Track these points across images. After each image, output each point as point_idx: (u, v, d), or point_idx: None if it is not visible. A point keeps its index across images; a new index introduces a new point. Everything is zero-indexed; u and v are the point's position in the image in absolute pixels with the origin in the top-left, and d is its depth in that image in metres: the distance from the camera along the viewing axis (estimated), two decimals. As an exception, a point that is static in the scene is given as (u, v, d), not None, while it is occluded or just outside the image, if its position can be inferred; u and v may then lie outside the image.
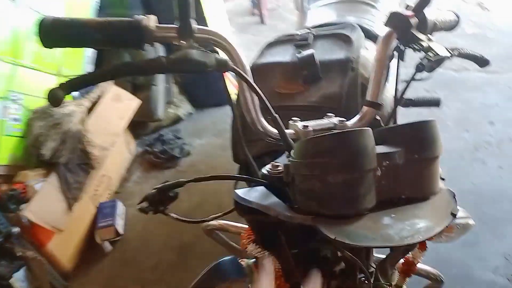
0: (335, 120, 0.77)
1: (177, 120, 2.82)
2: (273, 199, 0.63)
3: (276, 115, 0.67)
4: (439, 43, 0.83)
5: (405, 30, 0.79)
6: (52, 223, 1.72)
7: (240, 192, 0.66)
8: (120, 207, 2.17)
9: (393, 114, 0.77)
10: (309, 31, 1.05)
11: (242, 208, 0.66)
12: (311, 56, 0.87)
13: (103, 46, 0.67)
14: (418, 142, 0.61)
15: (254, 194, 0.66)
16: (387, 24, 0.81)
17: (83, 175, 1.89)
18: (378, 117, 0.81)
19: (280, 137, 0.67)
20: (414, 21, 0.80)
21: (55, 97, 0.59)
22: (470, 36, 3.01)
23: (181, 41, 0.64)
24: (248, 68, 0.69)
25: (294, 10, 4.12)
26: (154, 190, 0.86)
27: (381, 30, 1.23)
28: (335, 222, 0.57)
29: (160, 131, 2.74)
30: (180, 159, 2.52)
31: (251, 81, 0.65)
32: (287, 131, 0.74)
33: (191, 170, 2.43)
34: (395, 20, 0.80)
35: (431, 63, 0.79)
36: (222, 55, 0.67)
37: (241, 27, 3.79)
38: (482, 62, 0.92)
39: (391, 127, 0.63)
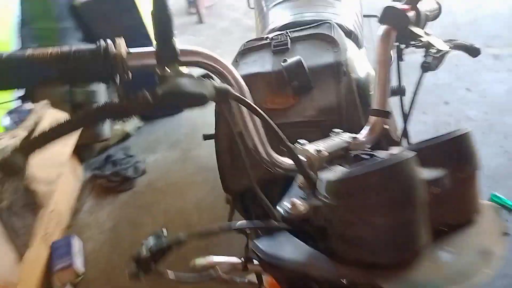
0: (345, 137, 0.67)
1: (125, 136, 2.60)
2: (306, 250, 0.52)
3: (291, 145, 0.56)
4: (435, 36, 0.77)
5: (404, 26, 0.71)
6: (2, 279, 1.48)
7: (263, 245, 0.54)
8: (76, 243, 1.94)
9: (405, 125, 0.69)
10: (281, 33, 0.95)
11: (270, 265, 0.55)
12: (299, 63, 0.76)
13: (62, 83, 0.52)
14: (461, 158, 0.53)
15: (279, 246, 0.54)
16: (382, 21, 0.72)
17: (31, 217, 1.65)
18: (386, 126, 0.73)
19: (300, 171, 0.56)
20: (411, 15, 0.72)
21: (13, 166, 0.45)
22: (409, 18, 3.06)
23: (162, 69, 0.51)
24: (246, 89, 0.57)
25: (232, 6, 4.00)
26: (146, 253, 0.72)
27: (352, 25, 1.16)
28: (394, 272, 0.47)
29: (108, 151, 2.52)
30: (136, 179, 2.32)
31: (257, 107, 0.54)
32: (287, 160, 0.63)
33: (150, 190, 2.25)
34: (392, 16, 0.71)
35: (436, 60, 0.72)
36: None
37: (179, 28, 3.59)
38: (473, 51, 0.87)
39: (427, 145, 0.54)
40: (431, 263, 0.48)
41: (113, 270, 1.90)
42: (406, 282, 0.46)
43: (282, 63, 0.80)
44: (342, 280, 0.60)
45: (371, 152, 0.61)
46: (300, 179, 0.65)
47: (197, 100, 0.49)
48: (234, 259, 0.98)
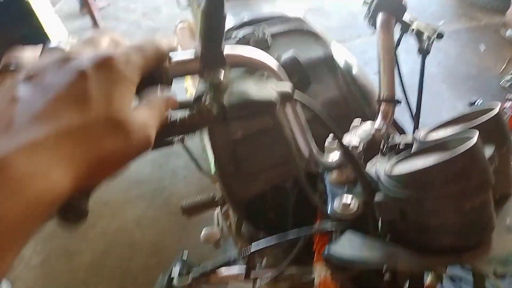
0: (368, 128, 0.67)
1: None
2: (383, 246, 0.51)
3: (347, 147, 0.54)
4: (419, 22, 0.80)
5: (401, 13, 0.73)
6: None
7: (334, 251, 0.51)
8: (4, 287, 1.67)
9: (418, 112, 0.71)
10: (254, 29, 0.90)
11: (340, 267, 0.52)
12: (295, 59, 0.74)
13: None
14: (501, 134, 0.56)
15: (348, 248, 0.52)
16: (379, 8, 0.73)
17: None
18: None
19: (354, 168, 0.54)
20: (405, 2, 0.74)
21: (78, 211, 0.35)
22: (310, 11, 3.21)
23: (211, 75, 0.45)
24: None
25: (127, 8, 3.75)
26: (163, 278, 0.65)
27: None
28: (479, 252, 0.48)
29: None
30: (58, 204, 2.07)
31: (320, 110, 0.50)
32: (329, 158, 0.61)
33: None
34: (389, 3, 0.73)
35: (430, 44, 0.75)
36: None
37: (73, 32, 3.27)
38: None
39: (476, 125, 0.55)
40: (501, 236, 0.50)
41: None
42: (492, 259, 0.47)
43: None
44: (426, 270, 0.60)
45: (406, 142, 0.61)
46: (333, 177, 0.64)
47: (265, 108, 0.44)
48: (236, 268, 0.93)
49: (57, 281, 1.77)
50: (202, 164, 1.37)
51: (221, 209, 1.29)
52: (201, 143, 1.55)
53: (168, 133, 0.41)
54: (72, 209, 0.35)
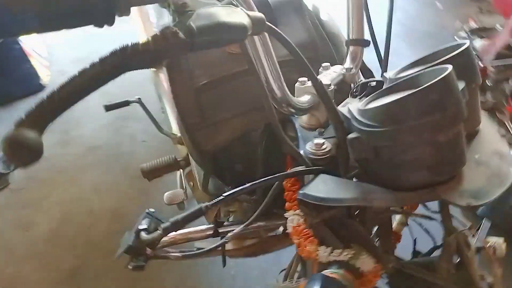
0: (337, 69, 0.64)
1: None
2: (357, 185, 0.50)
3: (320, 81, 0.51)
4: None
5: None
6: None
7: (308, 190, 0.49)
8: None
9: (386, 55, 0.69)
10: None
11: (314, 208, 0.51)
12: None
13: (44, 32, 0.37)
14: (470, 70, 0.55)
15: (322, 188, 0.50)
16: None
17: None
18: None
19: (327, 106, 0.52)
20: None
21: (27, 145, 0.30)
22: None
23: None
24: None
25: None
26: (129, 235, 0.61)
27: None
28: (451, 186, 0.48)
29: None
30: (8, 174, 1.95)
31: (288, 39, 0.47)
32: (300, 99, 0.58)
33: (32, 184, 1.91)
34: None
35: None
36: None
37: None
38: None
39: (445, 59, 0.54)
40: (471, 170, 0.50)
41: (16, 281, 1.60)
42: (465, 192, 0.47)
43: (240, 0, 0.71)
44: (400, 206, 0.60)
45: (377, 79, 0.59)
46: (305, 120, 0.61)
47: (237, 33, 0.40)
48: (203, 227, 0.90)
49: (13, 254, 1.68)
50: (162, 125, 1.31)
51: (183, 170, 1.25)
52: (160, 103, 1.48)
53: (127, 62, 0.36)
54: (21, 145, 0.31)
